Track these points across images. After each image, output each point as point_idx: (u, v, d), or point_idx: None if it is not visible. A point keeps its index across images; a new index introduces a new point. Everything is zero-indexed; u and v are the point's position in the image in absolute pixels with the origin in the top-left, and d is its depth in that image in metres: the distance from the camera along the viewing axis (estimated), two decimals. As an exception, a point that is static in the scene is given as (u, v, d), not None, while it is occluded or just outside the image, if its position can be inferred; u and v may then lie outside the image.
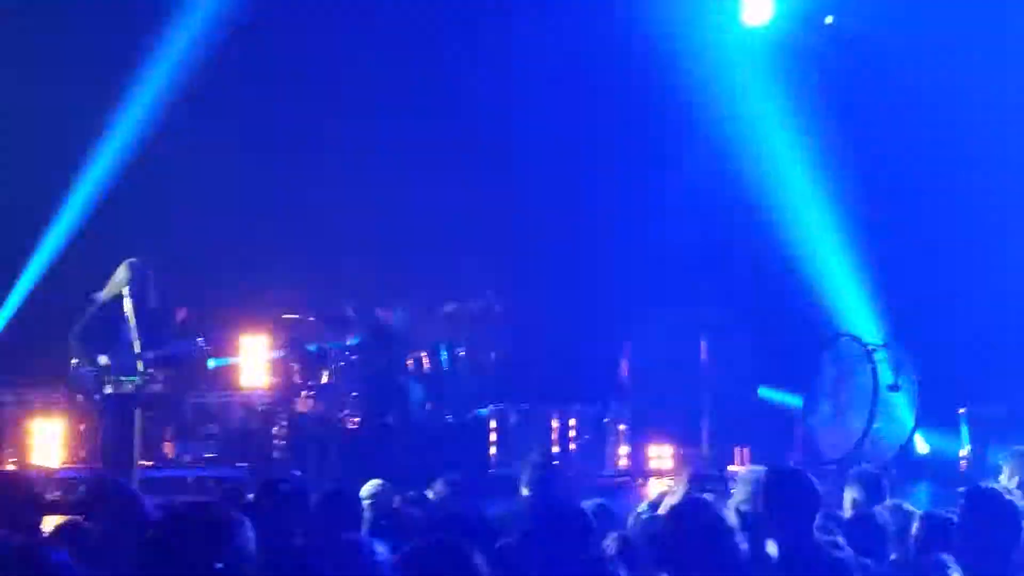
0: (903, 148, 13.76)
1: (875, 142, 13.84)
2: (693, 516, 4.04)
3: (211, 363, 10.86)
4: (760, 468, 5.94)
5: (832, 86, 13.94)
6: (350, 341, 12.43)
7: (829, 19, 14.08)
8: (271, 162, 14.18)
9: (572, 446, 11.86)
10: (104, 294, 10.63)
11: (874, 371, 12.00)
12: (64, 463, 11.60)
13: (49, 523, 5.27)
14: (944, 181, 13.66)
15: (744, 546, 4.08)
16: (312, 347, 12.37)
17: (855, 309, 13.48)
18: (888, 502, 6.12)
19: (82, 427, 11.37)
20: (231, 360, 10.97)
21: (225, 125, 13.97)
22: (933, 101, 13.46)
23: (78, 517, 3.70)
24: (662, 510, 5.00)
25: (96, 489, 2.94)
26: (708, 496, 5.79)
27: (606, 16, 13.98)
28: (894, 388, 12.01)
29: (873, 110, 13.86)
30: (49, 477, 10.53)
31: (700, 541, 3.89)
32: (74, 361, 10.53)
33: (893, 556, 5.23)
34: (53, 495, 9.82)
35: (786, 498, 4.70)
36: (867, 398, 12.00)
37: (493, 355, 12.86)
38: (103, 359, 10.40)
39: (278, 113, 14.20)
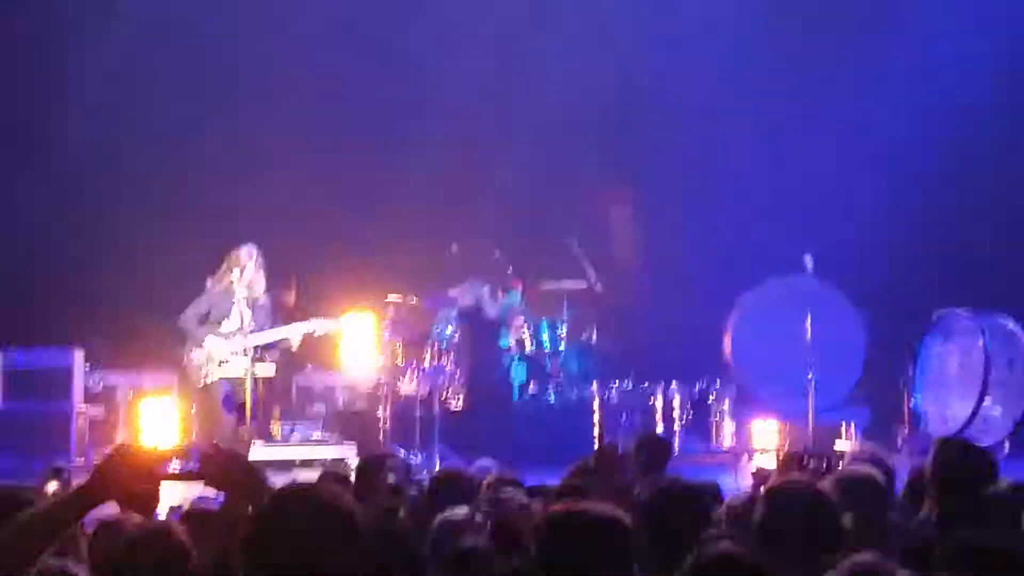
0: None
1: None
2: (790, 496, 3.95)
3: (313, 326, 10.95)
4: (870, 444, 5.86)
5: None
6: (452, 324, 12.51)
7: None
8: (377, 145, 14.33)
9: (676, 424, 11.79)
10: (214, 279, 10.82)
11: (985, 347, 11.73)
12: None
13: (166, 500, 5.41)
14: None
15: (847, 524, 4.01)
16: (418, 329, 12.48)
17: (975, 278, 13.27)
18: (1002, 481, 5.99)
19: (193, 409, 11.60)
20: (333, 324, 11.07)
21: (327, 107, 14.14)
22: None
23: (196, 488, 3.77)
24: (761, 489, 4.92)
25: (214, 457, 2.98)
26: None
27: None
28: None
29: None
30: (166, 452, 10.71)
31: (798, 520, 3.81)
32: (186, 346, 10.75)
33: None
34: (172, 467, 10.03)
35: (959, 467, 4.70)
36: (978, 374, 11.75)
37: (595, 333, 12.83)
38: (213, 342, 10.59)
39: (379, 95, 14.32)
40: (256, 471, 3.06)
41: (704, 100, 14.09)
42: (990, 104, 13.61)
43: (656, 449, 6.33)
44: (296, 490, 2.90)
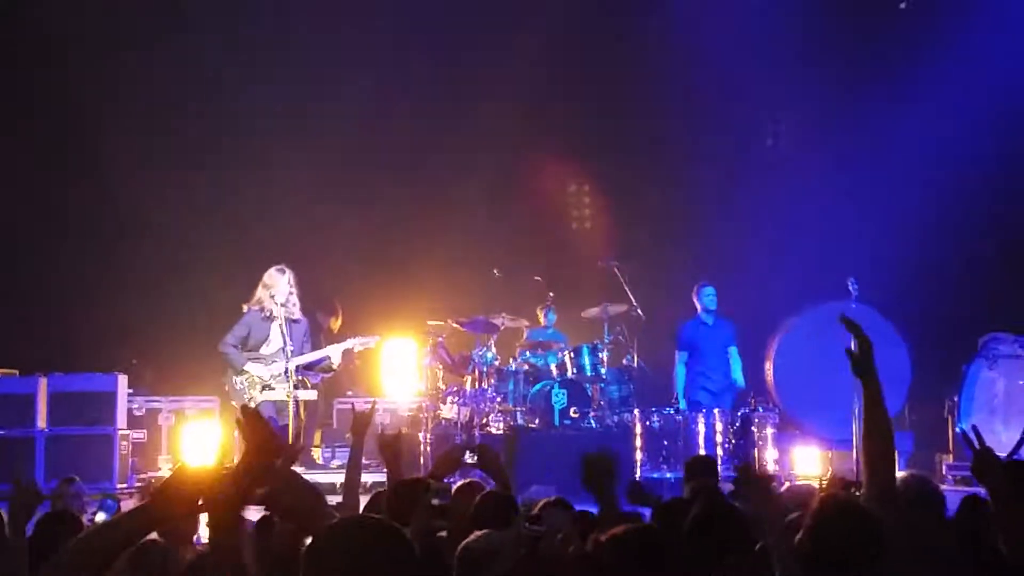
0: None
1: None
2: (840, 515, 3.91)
3: (351, 343, 10.99)
4: (915, 472, 5.78)
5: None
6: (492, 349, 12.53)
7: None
8: (418, 172, 14.41)
9: (718, 450, 11.68)
10: (250, 303, 10.84)
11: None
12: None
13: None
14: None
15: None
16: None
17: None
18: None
19: (235, 433, 11.63)
20: (370, 340, 11.12)
21: (368, 135, 14.21)
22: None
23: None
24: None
25: (275, 480, 2.97)
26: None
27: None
28: None
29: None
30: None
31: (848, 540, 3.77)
32: (228, 371, 10.78)
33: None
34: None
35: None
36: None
37: (636, 358, 12.77)
38: (255, 367, 10.61)
39: (420, 123, 14.39)
40: (318, 495, 3.05)
41: (744, 127, 14.06)
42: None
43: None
44: (355, 517, 2.91)
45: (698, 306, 12.38)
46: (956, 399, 12.33)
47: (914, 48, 13.78)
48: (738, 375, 12.42)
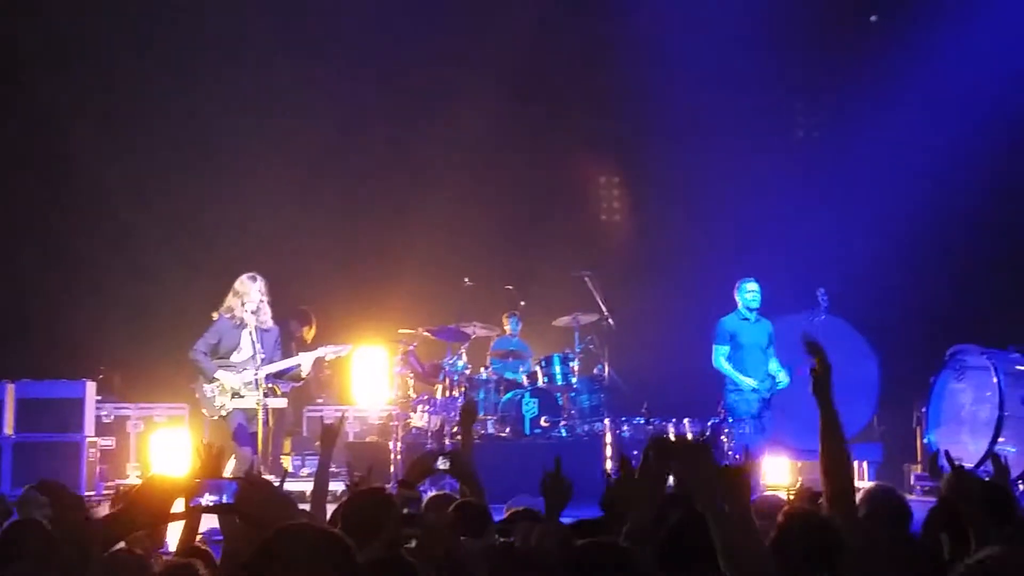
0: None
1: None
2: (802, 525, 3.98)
3: (323, 351, 10.93)
4: (882, 484, 5.82)
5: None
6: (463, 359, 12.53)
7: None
8: (390, 181, 14.40)
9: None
10: (221, 310, 10.78)
11: (999, 384, 11.66)
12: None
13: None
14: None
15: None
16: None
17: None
18: None
19: (205, 441, 11.58)
20: (342, 349, 11.05)
21: (340, 143, 14.20)
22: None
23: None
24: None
25: (249, 490, 2.96)
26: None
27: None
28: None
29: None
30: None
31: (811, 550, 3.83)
32: (198, 379, 10.72)
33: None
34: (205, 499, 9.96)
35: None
36: (992, 411, 11.69)
37: (607, 367, 12.79)
38: (225, 375, 10.56)
39: (401, 129, 14.40)
40: (292, 505, 3.04)
41: (717, 143, 14.12)
42: (1003, 142, 13.59)
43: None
44: (294, 524, 2.90)
45: (739, 302, 11.89)
46: (924, 410, 12.39)
47: (886, 61, 13.87)
48: (779, 370, 11.87)
